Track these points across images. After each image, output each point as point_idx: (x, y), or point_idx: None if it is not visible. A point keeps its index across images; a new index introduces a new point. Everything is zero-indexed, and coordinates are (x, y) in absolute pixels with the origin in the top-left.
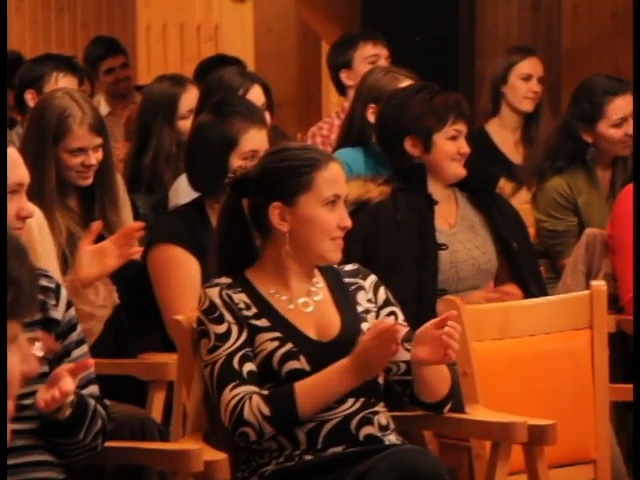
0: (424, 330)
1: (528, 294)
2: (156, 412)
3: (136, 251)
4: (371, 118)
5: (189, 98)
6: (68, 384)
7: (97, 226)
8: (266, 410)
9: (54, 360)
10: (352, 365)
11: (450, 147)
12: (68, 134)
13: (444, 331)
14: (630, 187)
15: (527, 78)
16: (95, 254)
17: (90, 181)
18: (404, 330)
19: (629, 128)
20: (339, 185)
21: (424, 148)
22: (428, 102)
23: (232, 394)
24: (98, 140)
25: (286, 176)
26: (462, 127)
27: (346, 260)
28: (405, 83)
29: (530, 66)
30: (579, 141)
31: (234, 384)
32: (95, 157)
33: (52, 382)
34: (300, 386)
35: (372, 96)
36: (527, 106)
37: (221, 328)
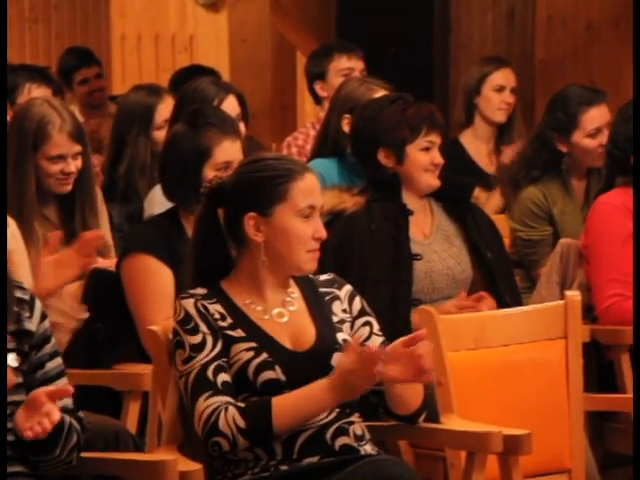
0: (393, 348)
1: (503, 304)
2: (131, 423)
3: (94, 260)
4: (346, 128)
5: (165, 108)
6: (56, 414)
7: (56, 236)
8: (241, 423)
9: (27, 371)
10: (332, 385)
11: (423, 158)
12: (47, 141)
13: (419, 353)
14: (602, 197)
15: (500, 89)
16: (55, 265)
17: (69, 188)
18: (383, 352)
19: (604, 138)
20: (315, 196)
21: (397, 159)
22: (401, 113)
23: (206, 404)
24: (77, 147)
25: (261, 186)
26: (435, 138)
27: (321, 270)
28: (380, 93)
29: (503, 77)
30: (554, 151)
31: (208, 394)
32: (74, 164)
33: (31, 407)
34: (277, 402)
35: (347, 106)
36: (500, 117)
37: (196, 339)
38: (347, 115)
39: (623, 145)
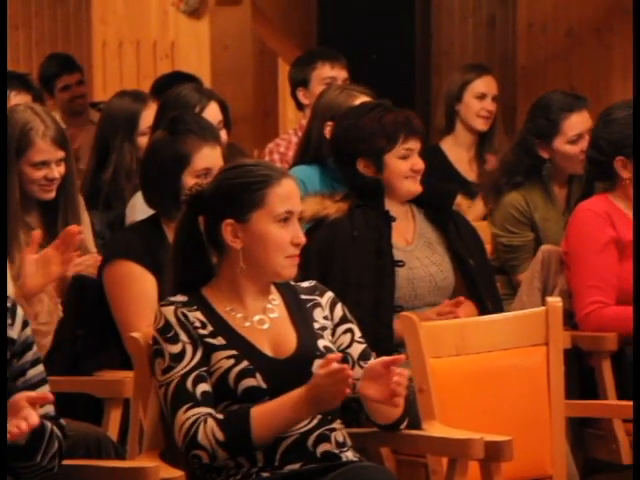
0: (372, 367)
1: (485, 311)
2: (112, 430)
3: (77, 255)
4: (329, 136)
5: (150, 114)
6: (34, 418)
7: (38, 235)
8: (220, 435)
9: (9, 379)
10: (306, 396)
11: (402, 166)
12: (31, 147)
13: (394, 380)
14: (583, 204)
15: (481, 97)
16: (39, 263)
17: (53, 195)
18: (356, 373)
19: (585, 144)
20: (292, 201)
21: (376, 169)
22: (377, 122)
23: (186, 416)
24: (61, 153)
25: (238, 193)
26: (414, 145)
27: (303, 277)
28: (361, 99)
29: (484, 85)
30: (536, 157)
31: (188, 406)
32: (58, 170)
33: (11, 411)
34: (256, 412)
35: (329, 114)
36: (481, 125)
37: (175, 348)
38: (329, 122)
39: (607, 149)
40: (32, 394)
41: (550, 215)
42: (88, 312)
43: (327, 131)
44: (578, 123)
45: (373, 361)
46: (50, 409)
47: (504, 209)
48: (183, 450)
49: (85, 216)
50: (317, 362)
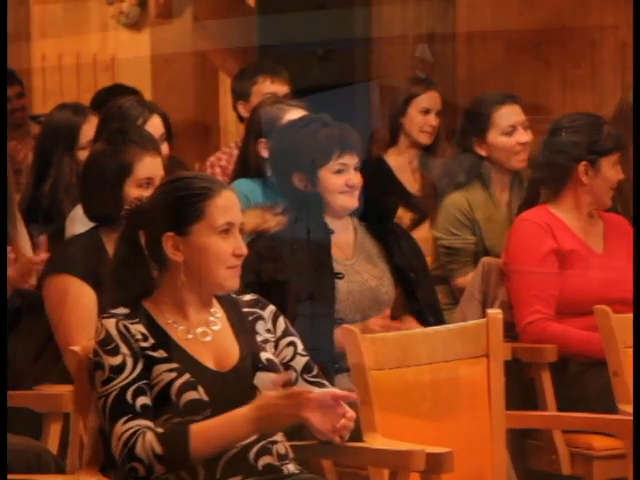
0: (322, 396)
1: (425, 324)
2: (52, 444)
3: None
4: (264, 152)
5: (90, 128)
6: None
7: None
8: (158, 449)
9: None
10: (254, 416)
11: (336, 181)
12: None
13: (341, 422)
14: (524, 215)
15: (426, 112)
16: None
17: None
18: (318, 395)
19: (520, 137)
20: (232, 213)
21: (311, 183)
22: (311, 137)
23: (124, 427)
24: None
25: (178, 206)
26: (349, 160)
27: (244, 290)
28: (293, 113)
29: (429, 100)
30: (474, 155)
31: (127, 417)
32: None
33: None
34: (195, 429)
35: (261, 130)
36: (423, 139)
37: (116, 360)
38: (262, 140)
39: (574, 153)
40: None
41: (492, 215)
42: (27, 325)
43: (260, 147)
44: (510, 114)
45: (324, 390)
46: None
47: (446, 210)
48: (119, 462)
49: (21, 226)
50: (259, 375)
